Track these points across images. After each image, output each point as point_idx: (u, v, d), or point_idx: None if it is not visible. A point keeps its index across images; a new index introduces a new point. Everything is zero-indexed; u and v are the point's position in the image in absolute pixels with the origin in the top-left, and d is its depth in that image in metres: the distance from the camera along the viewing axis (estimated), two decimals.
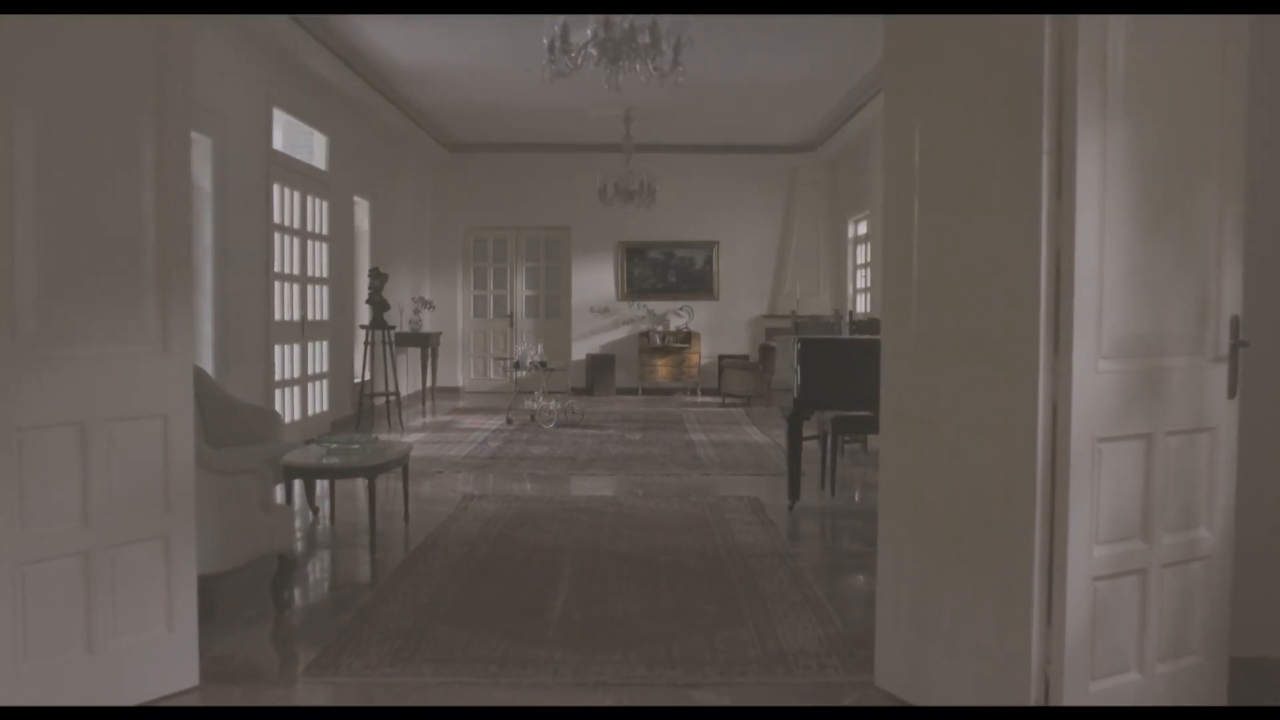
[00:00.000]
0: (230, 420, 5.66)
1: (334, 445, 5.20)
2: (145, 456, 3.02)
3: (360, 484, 6.07)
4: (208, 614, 3.89)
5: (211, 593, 4.12)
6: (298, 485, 5.88)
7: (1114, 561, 2.61)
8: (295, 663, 3.55)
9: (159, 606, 3.08)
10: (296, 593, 4.37)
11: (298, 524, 5.65)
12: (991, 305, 2.70)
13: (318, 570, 4.87)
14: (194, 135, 6.85)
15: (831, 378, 5.84)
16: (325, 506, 5.91)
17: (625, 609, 4.05)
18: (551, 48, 5.47)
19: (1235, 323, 2.73)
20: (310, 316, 9.02)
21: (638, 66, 5.50)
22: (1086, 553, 2.58)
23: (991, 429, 2.70)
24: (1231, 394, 2.75)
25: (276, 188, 8.17)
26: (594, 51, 5.44)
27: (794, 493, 6.08)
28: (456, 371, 14.15)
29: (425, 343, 12.04)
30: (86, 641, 2.91)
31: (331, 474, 5.11)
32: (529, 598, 4.20)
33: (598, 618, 3.93)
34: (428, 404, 12.16)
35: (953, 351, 2.84)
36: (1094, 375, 2.57)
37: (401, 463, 5.47)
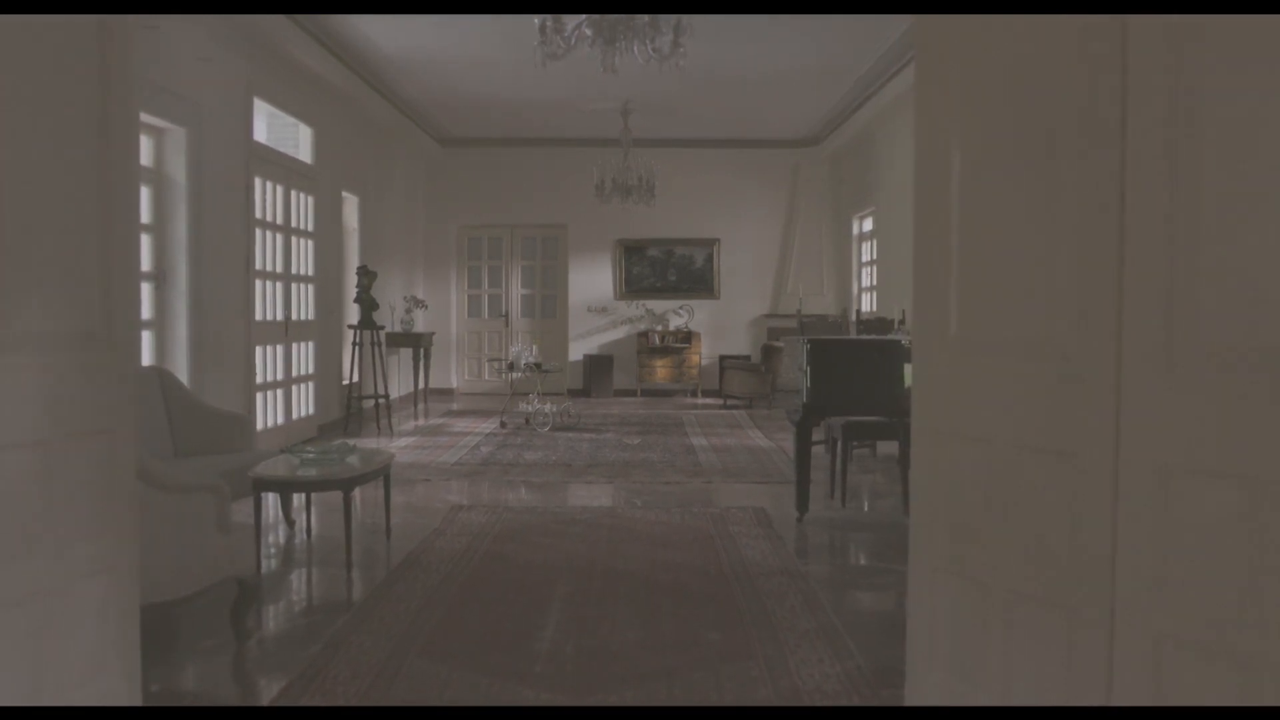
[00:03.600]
0: (200, 428, 5.30)
1: (309, 455, 4.82)
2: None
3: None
4: (166, 643, 3.54)
5: (173, 619, 3.77)
6: (273, 498, 5.53)
7: None
8: (253, 703, 3.17)
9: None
10: (265, 615, 4.02)
11: (273, 539, 5.28)
12: (1054, 300, 2.28)
13: (289, 592, 4.50)
14: (167, 125, 6.54)
15: (843, 381, 5.48)
16: (302, 519, 5.55)
17: (622, 638, 3.68)
18: (543, 28, 5.10)
19: None
20: (295, 316, 8.65)
21: (635, 48, 5.13)
22: None
23: (1054, 447, 2.31)
24: None
25: (258, 181, 7.80)
26: (588, 32, 5.06)
27: (802, 503, 5.71)
28: (450, 373, 13.78)
29: (418, 343, 11.68)
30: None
31: (304, 487, 4.73)
32: (517, 625, 3.83)
33: (591, 649, 3.56)
34: (420, 406, 11.79)
35: (1004, 357, 2.44)
36: None
37: (382, 473, 5.10)
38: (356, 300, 9.71)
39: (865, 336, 8.34)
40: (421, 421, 10.59)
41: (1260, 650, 1.81)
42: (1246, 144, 1.87)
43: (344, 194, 10.13)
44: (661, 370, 13.19)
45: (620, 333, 13.69)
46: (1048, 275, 2.29)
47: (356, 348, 9.79)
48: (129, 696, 2.80)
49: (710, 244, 13.69)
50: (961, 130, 2.56)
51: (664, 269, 13.74)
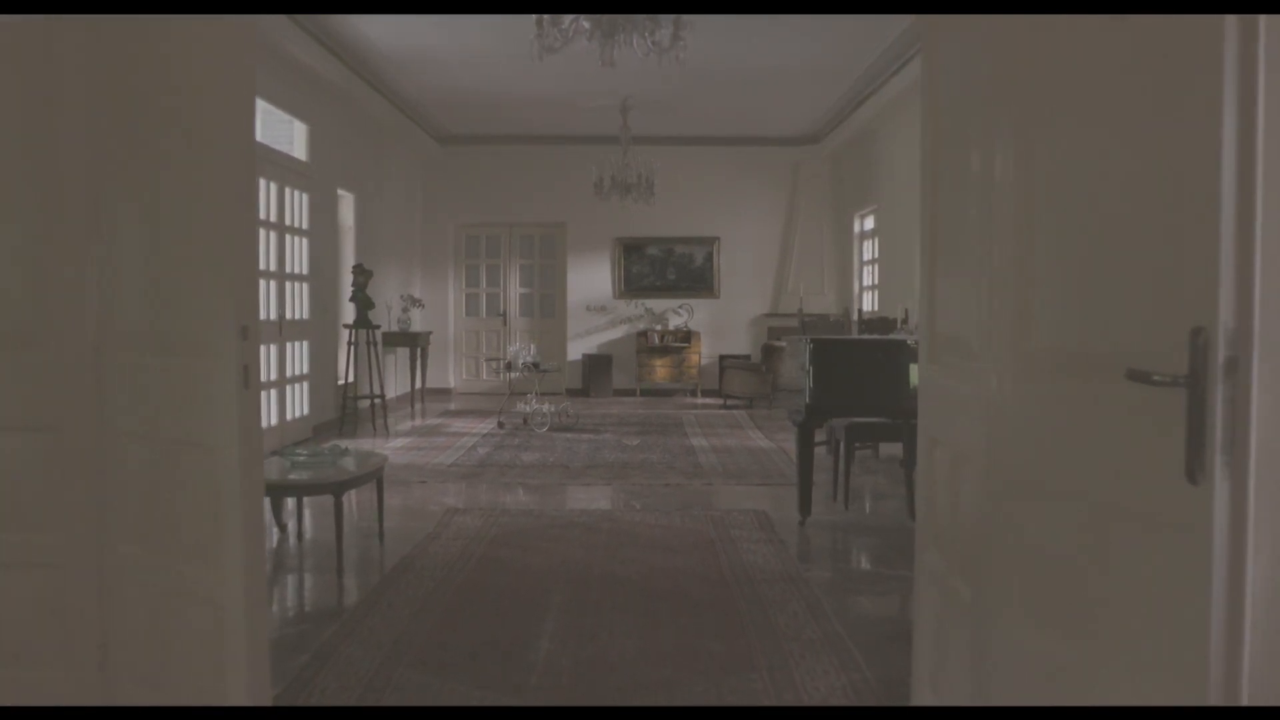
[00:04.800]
0: None
1: (299, 457, 4.71)
2: None
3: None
4: None
5: None
6: (263, 501, 5.40)
7: None
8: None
9: None
10: None
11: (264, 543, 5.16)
12: (968, 311, 2.25)
13: (278, 599, 4.38)
14: None
15: (847, 381, 5.36)
16: (294, 523, 5.43)
17: (620, 648, 3.57)
18: (539, 21, 4.98)
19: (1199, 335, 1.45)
20: (289, 315, 8.53)
21: (635, 41, 5.01)
22: None
23: (964, 453, 2.27)
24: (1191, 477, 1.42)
25: None
26: (586, 25, 4.94)
27: (805, 507, 5.60)
28: (448, 372, 13.66)
29: (414, 342, 11.56)
30: None
31: (293, 491, 4.61)
32: (511, 635, 3.71)
33: (588, 660, 3.45)
34: (417, 406, 11.67)
35: (950, 363, 2.41)
36: None
37: (375, 476, 4.98)
38: (352, 299, 9.59)
39: (869, 336, 8.23)
40: (418, 422, 10.48)
41: (1088, 671, 1.74)
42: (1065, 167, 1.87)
43: (340, 192, 10.02)
44: (661, 370, 13.07)
45: (619, 332, 13.57)
46: (972, 287, 2.23)
47: (352, 347, 9.67)
48: None
49: (710, 242, 13.57)
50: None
51: (663, 268, 13.63)
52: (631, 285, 13.59)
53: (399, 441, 8.90)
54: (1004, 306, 2.00)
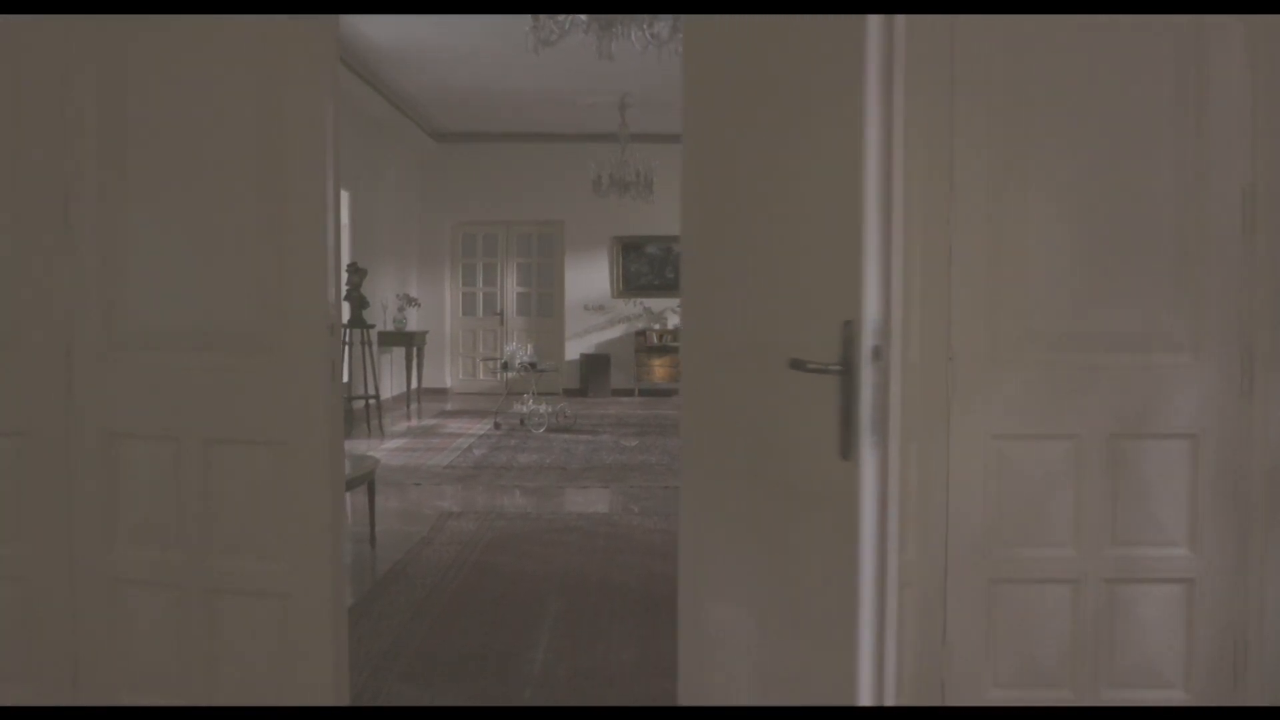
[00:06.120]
0: None
1: None
2: None
3: None
4: None
5: None
6: None
7: None
8: None
9: None
10: None
11: None
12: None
13: None
14: None
15: None
16: None
17: (618, 659, 3.46)
18: (535, 14, 4.87)
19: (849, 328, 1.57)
20: None
21: (633, 34, 4.89)
22: None
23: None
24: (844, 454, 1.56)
25: None
26: (583, 18, 4.83)
27: None
28: (444, 372, 13.55)
29: (410, 342, 11.44)
30: None
31: None
32: (505, 644, 3.60)
33: (585, 671, 3.34)
34: (413, 406, 11.56)
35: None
36: None
37: (367, 479, 4.87)
38: (346, 298, 9.48)
39: None
40: (414, 422, 10.36)
41: None
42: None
43: None
44: (660, 369, 12.96)
45: (618, 331, 13.45)
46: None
47: (346, 346, 9.56)
48: None
49: None
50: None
51: (662, 266, 13.51)
52: (630, 284, 13.47)
53: (394, 442, 8.79)
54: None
